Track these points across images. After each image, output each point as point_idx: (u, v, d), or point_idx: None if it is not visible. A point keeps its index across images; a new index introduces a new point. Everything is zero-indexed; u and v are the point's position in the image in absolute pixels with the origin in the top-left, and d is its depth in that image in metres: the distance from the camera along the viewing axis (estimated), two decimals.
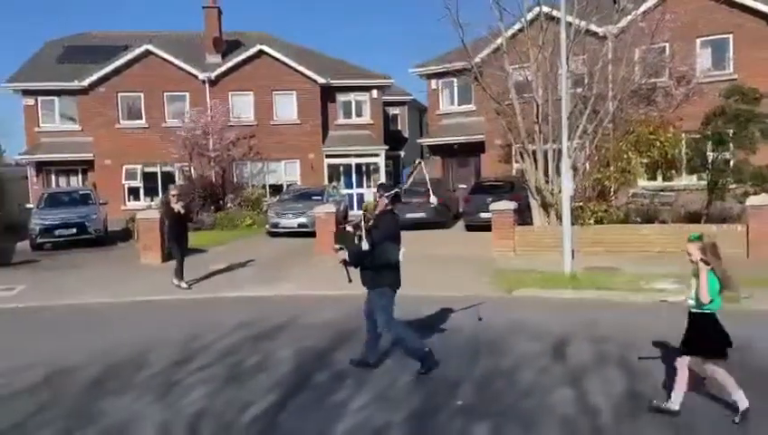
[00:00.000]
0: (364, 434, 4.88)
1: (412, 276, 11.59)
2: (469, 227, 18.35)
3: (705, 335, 4.89)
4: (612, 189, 15.62)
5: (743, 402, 4.78)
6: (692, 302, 4.94)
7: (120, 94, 24.77)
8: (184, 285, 11.47)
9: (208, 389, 5.92)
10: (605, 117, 15.31)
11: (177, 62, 24.89)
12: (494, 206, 14.59)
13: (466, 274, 11.86)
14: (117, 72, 24.60)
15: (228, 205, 23.28)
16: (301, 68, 25.41)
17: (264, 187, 25.22)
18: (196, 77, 24.97)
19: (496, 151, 22.21)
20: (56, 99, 25.00)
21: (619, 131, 15.61)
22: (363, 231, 6.04)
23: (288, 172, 26.12)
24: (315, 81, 25.61)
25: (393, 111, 33.72)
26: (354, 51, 74.60)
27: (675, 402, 4.92)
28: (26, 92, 24.79)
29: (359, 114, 27.22)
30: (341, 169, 26.79)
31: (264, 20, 75.69)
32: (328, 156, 26.25)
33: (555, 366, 6.44)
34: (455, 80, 23.58)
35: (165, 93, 25.01)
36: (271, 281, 11.99)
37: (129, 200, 24.54)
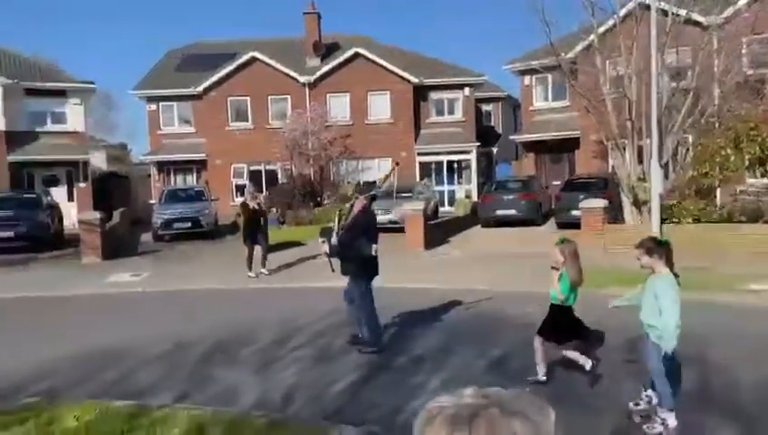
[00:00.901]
0: None
1: (495, 273, 12.04)
2: (560, 225, 18.21)
3: (557, 324, 5.78)
4: (715, 186, 14.97)
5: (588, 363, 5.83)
6: (552, 294, 5.78)
7: (229, 99, 26.76)
8: (252, 274, 12.64)
9: (301, 365, 6.70)
10: (705, 110, 14.71)
11: (279, 66, 26.47)
12: (583, 203, 14.52)
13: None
14: (226, 78, 26.58)
15: (326, 201, 24.51)
16: (395, 68, 26.16)
17: (358, 184, 26.22)
18: (296, 80, 26.44)
19: (591, 147, 21.77)
20: (175, 104, 27.42)
21: (722, 126, 14.92)
22: (337, 228, 7.03)
23: (381, 170, 26.95)
24: (408, 80, 26.27)
25: (486, 107, 33.69)
26: (449, 48, 74.70)
27: (540, 374, 5.80)
28: (150, 99, 27.40)
29: (451, 112, 27.54)
30: (433, 166, 27.28)
31: (360, 22, 77.45)
32: (420, 154, 26.82)
33: (627, 360, 6.62)
34: (548, 75, 23.31)
35: (269, 97, 26.69)
36: None
37: (236, 197, 26.39)
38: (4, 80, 22.75)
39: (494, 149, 31.22)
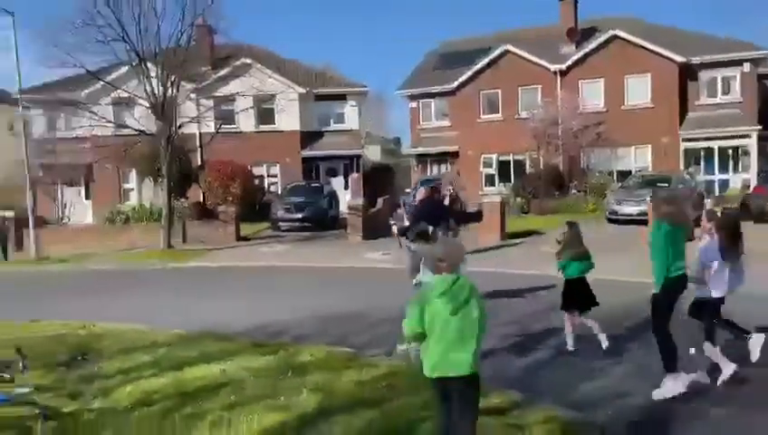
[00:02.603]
0: (605, 394, 5.67)
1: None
2: None
3: (572, 295, 6.98)
4: None
5: (604, 342, 6.87)
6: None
7: (481, 92, 27.96)
8: None
9: (496, 340, 7.44)
10: None
11: (531, 57, 26.66)
12: None
13: None
14: (479, 72, 27.81)
15: (572, 191, 24.11)
16: (656, 48, 24.18)
17: (610, 173, 25.08)
18: (548, 69, 26.33)
19: None
20: (433, 101, 29.73)
21: None
22: (405, 212, 9.05)
23: (638, 158, 25.31)
24: (672, 60, 24.03)
25: None
26: (726, 20, 64.11)
27: (569, 344, 6.98)
28: (411, 97, 30.24)
29: (725, 92, 24.31)
30: (702, 153, 24.54)
31: (621, 2, 71.36)
32: (684, 139, 24.36)
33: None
34: None
35: (519, 88, 27.14)
36: None
37: (485, 186, 27.64)
38: (300, 89, 27.66)
39: None
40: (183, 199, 23.84)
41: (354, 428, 4.69)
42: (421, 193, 9.54)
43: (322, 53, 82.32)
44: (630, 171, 24.61)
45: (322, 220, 21.72)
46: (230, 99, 23.75)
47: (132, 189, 27.55)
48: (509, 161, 27.49)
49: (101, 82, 20.64)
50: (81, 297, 11.86)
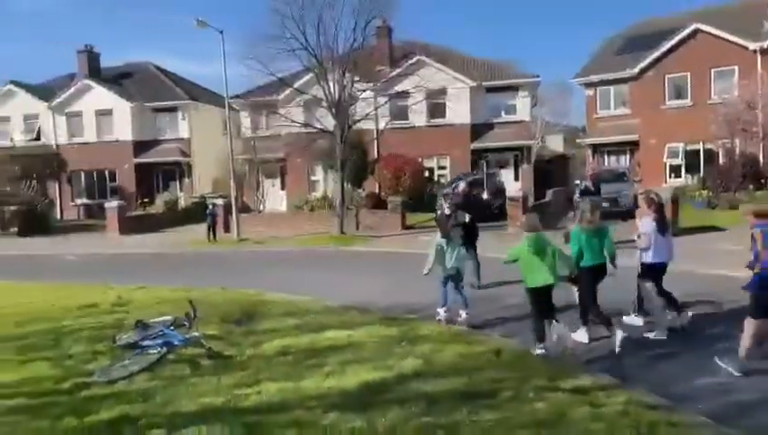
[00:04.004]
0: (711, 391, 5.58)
1: None
2: None
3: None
4: None
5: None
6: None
7: (666, 76, 25.83)
8: None
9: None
10: None
11: (725, 35, 23.97)
12: None
13: None
14: (665, 55, 25.70)
15: None
16: None
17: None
18: (746, 48, 23.48)
19: None
20: (611, 87, 28.11)
21: None
22: (445, 204, 10.28)
23: None
24: None
25: None
26: None
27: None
28: (588, 85, 28.96)
29: None
30: None
31: None
32: None
33: None
34: None
35: (712, 70, 24.58)
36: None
37: (670, 177, 25.57)
38: (471, 82, 28.22)
39: None
40: (360, 190, 25.96)
41: (439, 388, 5.35)
42: (461, 187, 10.74)
43: (509, 43, 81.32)
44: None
45: (483, 211, 22.06)
46: (404, 95, 25.19)
47: (318, 181, 30.60)
48: (698, 151, 25.10)
49: (291, 87, 23.40)
50: (264, 271, 14.03)
